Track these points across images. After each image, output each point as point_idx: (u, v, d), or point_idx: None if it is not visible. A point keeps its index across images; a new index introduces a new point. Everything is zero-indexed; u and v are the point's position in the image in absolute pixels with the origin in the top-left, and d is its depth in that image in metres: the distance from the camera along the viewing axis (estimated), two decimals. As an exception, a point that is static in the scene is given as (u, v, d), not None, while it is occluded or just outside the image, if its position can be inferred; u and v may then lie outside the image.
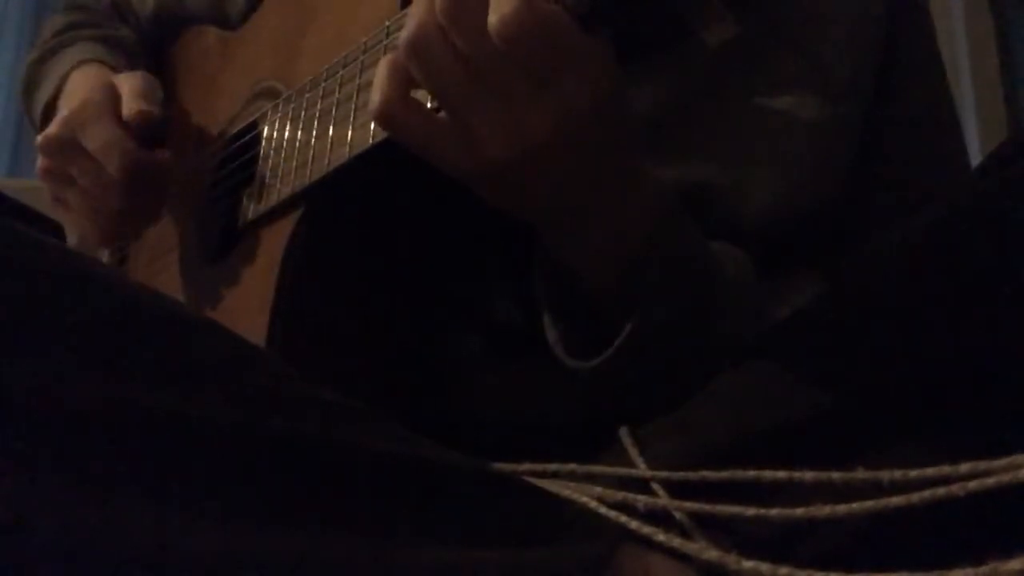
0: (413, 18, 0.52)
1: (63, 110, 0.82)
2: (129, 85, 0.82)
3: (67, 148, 0.79)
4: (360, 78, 0.65)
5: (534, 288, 0.62)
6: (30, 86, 0.97)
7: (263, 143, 0.76)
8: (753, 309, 0.62)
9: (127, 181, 0.78)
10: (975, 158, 0.71)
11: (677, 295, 0.57)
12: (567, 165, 0.53)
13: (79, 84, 0.90)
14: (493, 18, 0.50)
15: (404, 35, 0.52)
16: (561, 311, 0.60)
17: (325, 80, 0.69)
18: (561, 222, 0.58)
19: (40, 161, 0.82)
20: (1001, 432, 0.46)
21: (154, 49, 1.01)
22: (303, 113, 0.71)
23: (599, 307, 0.59)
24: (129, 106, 0.80)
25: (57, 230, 0.86)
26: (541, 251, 0.61)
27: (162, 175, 0.80)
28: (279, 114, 0.74)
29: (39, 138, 0.82)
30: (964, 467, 0.43)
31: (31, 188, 1.26)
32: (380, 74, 0.54)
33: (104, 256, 0.96)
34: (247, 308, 0.73)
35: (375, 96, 0.54)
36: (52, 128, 0.80)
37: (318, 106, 0.69)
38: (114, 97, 0.81)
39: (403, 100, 0.53)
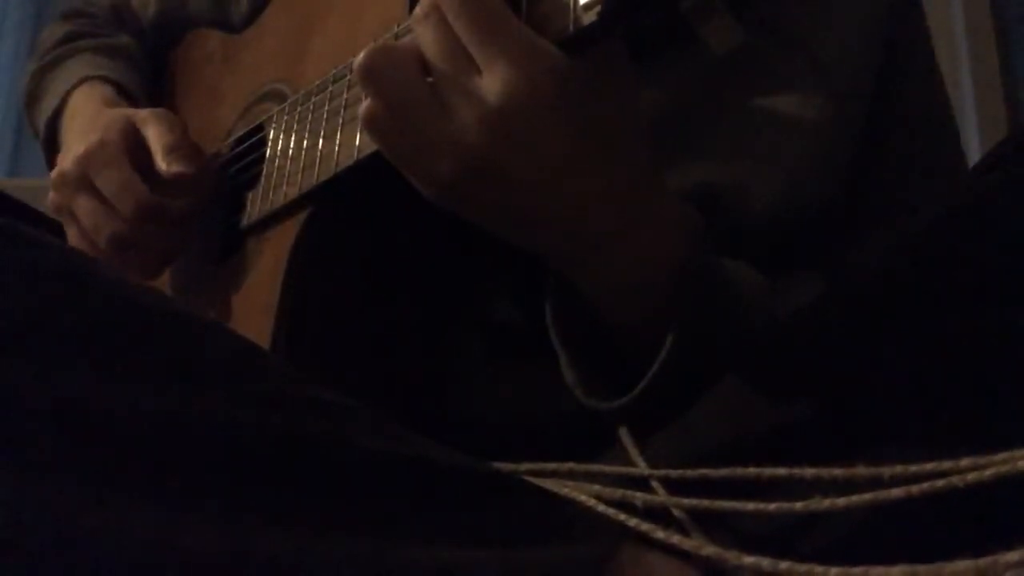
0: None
1: (76, 143, 0.81)
2: (156, 133, 0.79)
3: (79, 187, 0.79)
4: None
5: (543, 308, 0.61)
6: (32, 97, 0.97)
7: (269, 145, 0.76)
8: (769, 324, 0.61)
9: (138, 225, 0.77)
10: (975, 158, 0.71)
11: (706, 328, 0.56)
12: (520, 177, 0.53)
13: (83, 104, 0.90)
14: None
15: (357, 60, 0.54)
16: (579, 353, 0.60)
17: (333, 83, 0.69)
18: (565, 253, 0.57)
19: (51, 195, 0.82)
20: (1002, 432, 0.46)
21: (155, 53, 1.01)
22: (310, 116, 0.71)
23: (621, 344, 0.59)
24: (168, 163, 0.77)
25: (57, 230, 0.86)
26: (555, 291, 0.60)
27: (172, 223, 0.79)
28: (286, 116, 0.74)
29: (53, 174, 0.82)
30: (964, 461, 0.43)
31: (31, 188, 1.27)
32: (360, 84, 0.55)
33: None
34: (251, 308, 0.73)
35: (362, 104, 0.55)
36: (67, 164, 0.80)
37: (325, 108, 0.69)
38: (131, 138, 0.80)
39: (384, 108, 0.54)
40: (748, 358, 0.55)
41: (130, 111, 0.84)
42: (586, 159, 0.53)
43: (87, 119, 0.86)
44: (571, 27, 0.51)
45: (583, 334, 0.60)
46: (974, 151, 1.58)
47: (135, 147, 0.79)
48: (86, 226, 0.79)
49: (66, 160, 0.80)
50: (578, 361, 0.59)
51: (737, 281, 0.60)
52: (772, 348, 0.56)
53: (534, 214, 0.55)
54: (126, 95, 0.92)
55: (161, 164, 0.78)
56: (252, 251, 0.75)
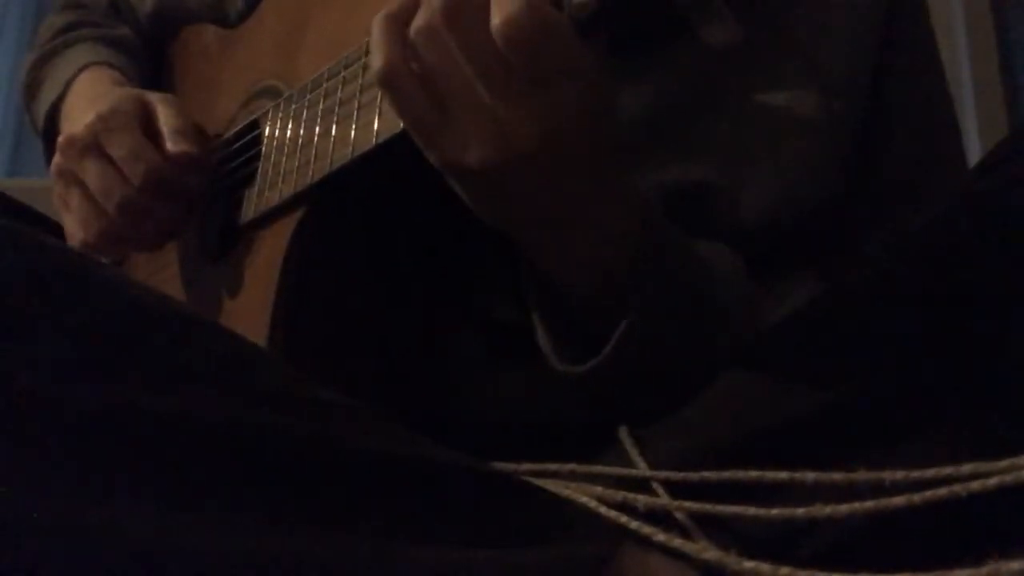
0: (419, 16, 0.53)
1: (87, 113, 0.81)
2: (166, 114, 0.80)
3: (88, 151, 0.79)
4: (363, 77, 0.65)
5: (524, 293, 0.62)
6: (32, 87, 0.97)
7: (264, 142, 0.76)
8: (745, 306, 0.61)
9: (147, 192, 0.77)
10: (975, 158, 0.71)
11: (667, 297, 0.57)
12: (549, 176, 0.53)
13: (87, 88, 0.90)
14: (496, 19, 0.50)
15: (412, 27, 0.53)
16: (552, 319, 0.60)
17: (327, 79, 0.69)
18: (540, 234, 0.58)
19: (56, 158, 0.82)
20: (1002, 430, 0.46)
21: (152, 48, 1.01)
22: (305, 112, 0.71)
23: (588, 314, 0.59)
24: (176, 143, 0.78)
25: (57, 230, 0.85)
26: (528, 261, 0.61)
27: (179, 197, 0.80)
28: (281, 113, 0.74)
29: (60, 138, 0.82)
30: (966, 468, 0.43)
31: (31, 188, 1.27)
32: (377, 33, 0.54)
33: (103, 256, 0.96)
34: (248, 307, 0.73)
35: (375, 57, 0.54)
36: (77, 129, 0.80)
37: (320, 105, 0.69)
38: (143, 110, 0.80)
39: (405, 63, 0.54)
40: (747, 358, 0.55)
41: (141, 91, 0.84)
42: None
43: (97, 95, 0.86)
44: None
45: (556, 304, 0.60)
46: (974, 151, 1.58)
47: (147, 121, 0.80)
48: (96, 189, 0.79)
49: (76, 125, 0.80)
50: (551, 328, 0.60)
51: (703, 257, 0.61)
52: (772, 349, 0.56)
53: (513, 200, 0.55)
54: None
55: (168, 144, 0.78)
56: (248, 249, 0.75)
